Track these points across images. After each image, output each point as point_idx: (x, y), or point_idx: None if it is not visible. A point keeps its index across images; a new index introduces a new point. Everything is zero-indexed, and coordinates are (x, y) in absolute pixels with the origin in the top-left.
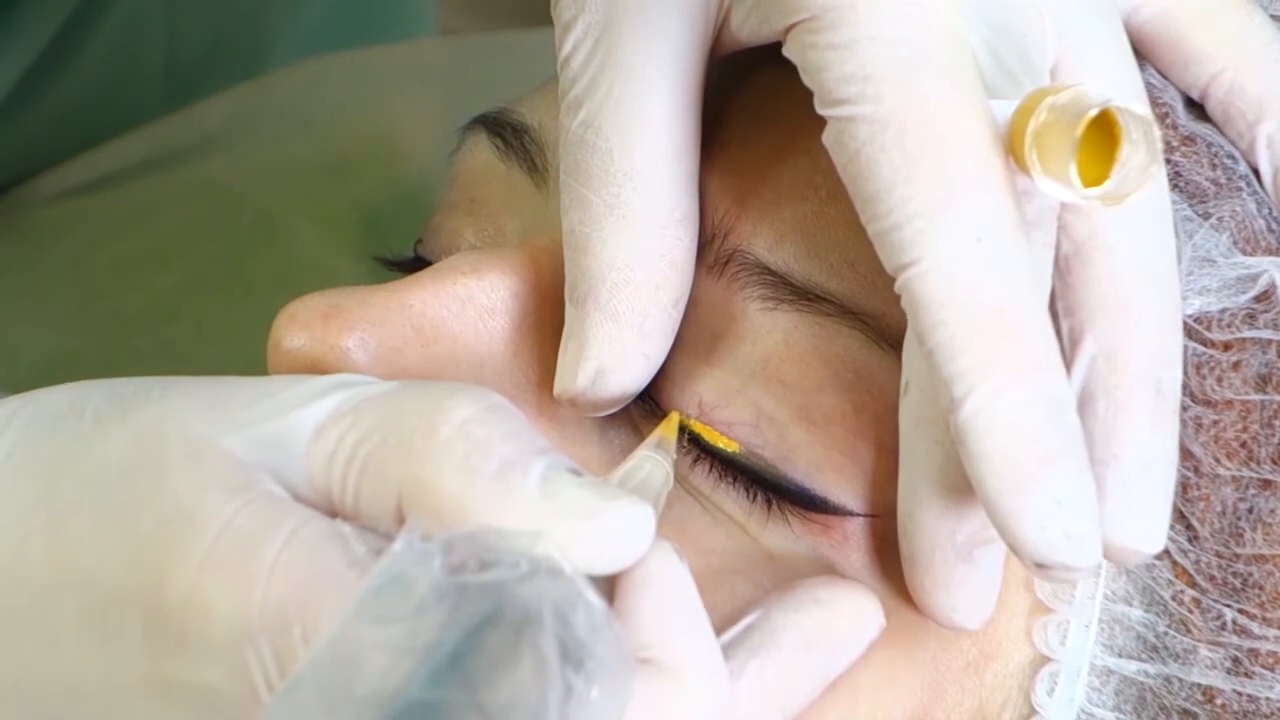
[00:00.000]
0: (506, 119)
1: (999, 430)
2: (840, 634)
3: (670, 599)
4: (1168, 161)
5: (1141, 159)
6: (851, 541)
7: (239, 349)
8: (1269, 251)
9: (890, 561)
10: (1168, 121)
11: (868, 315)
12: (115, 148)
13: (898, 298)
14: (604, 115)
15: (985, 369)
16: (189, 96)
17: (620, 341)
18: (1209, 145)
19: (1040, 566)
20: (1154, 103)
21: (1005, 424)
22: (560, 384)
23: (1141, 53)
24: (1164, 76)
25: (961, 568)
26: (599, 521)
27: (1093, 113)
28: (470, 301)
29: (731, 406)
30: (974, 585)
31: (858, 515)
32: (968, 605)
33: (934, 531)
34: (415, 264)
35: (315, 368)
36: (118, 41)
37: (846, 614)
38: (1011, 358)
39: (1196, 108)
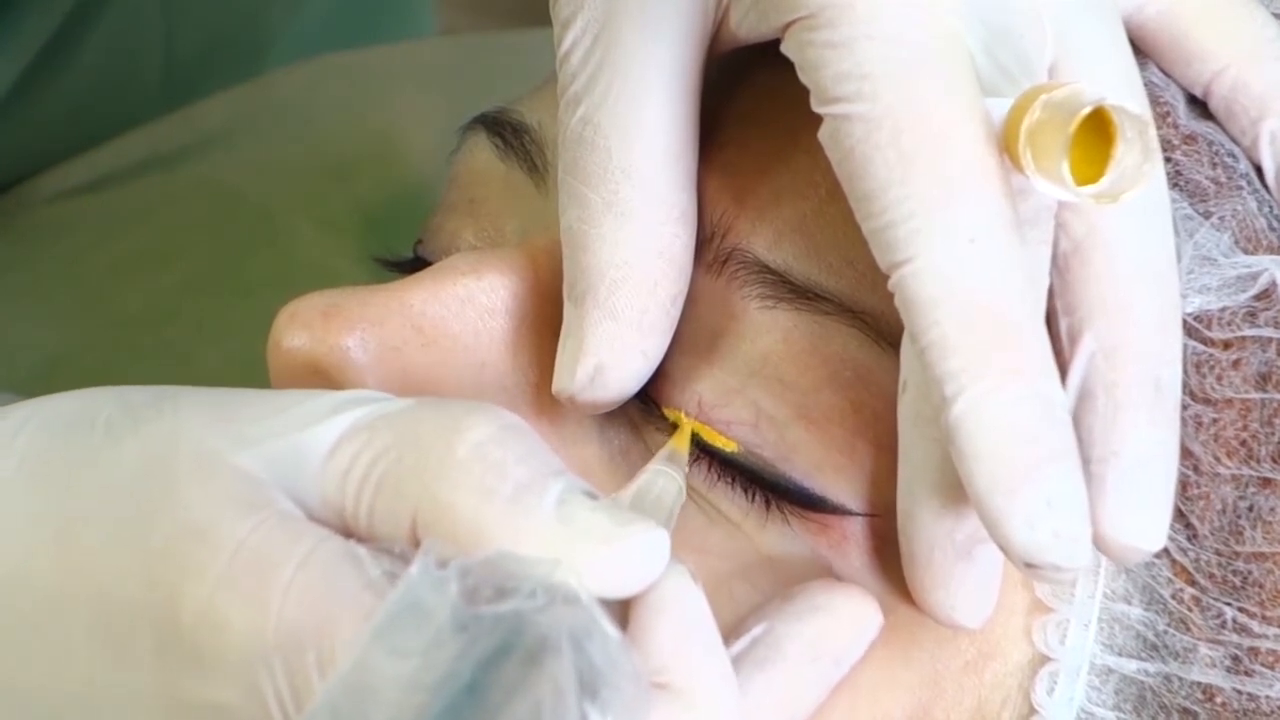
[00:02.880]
0: (506, 119)
1: (989, 429)
2: (843, 640)
3: (685, 623)
4: (1168, 160)
5: (1136, 158)
6: (851, 541)
7: (239, 349)
8: (1270, 250)
9: (889, 561)
10: (1168, 120)
11: (867, 314)
12: (115, 147)
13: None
14: (602, 112)
15: (977, 368)
16: (188, 96)
17: (619, 338)
18: (1210, 144)
19: (1030, 567)
20: (1155, 101)
21: (996, 423)
22: (559, 382)
23: (1144, 50)
24: (1166, 74)
25: (960, 566)
26: (615, 547)
27: (1086, 110)
28: (470, 301)
29: (730, 406)
30: (973, 584)
31: (857, 514)
32: (967, 604)
33: (932, 530)
34: (415, 264)
35: (315, 367)
36: (115, 40)
37: (847, 619)
38: (1003, 357)
39: (1199, 105)
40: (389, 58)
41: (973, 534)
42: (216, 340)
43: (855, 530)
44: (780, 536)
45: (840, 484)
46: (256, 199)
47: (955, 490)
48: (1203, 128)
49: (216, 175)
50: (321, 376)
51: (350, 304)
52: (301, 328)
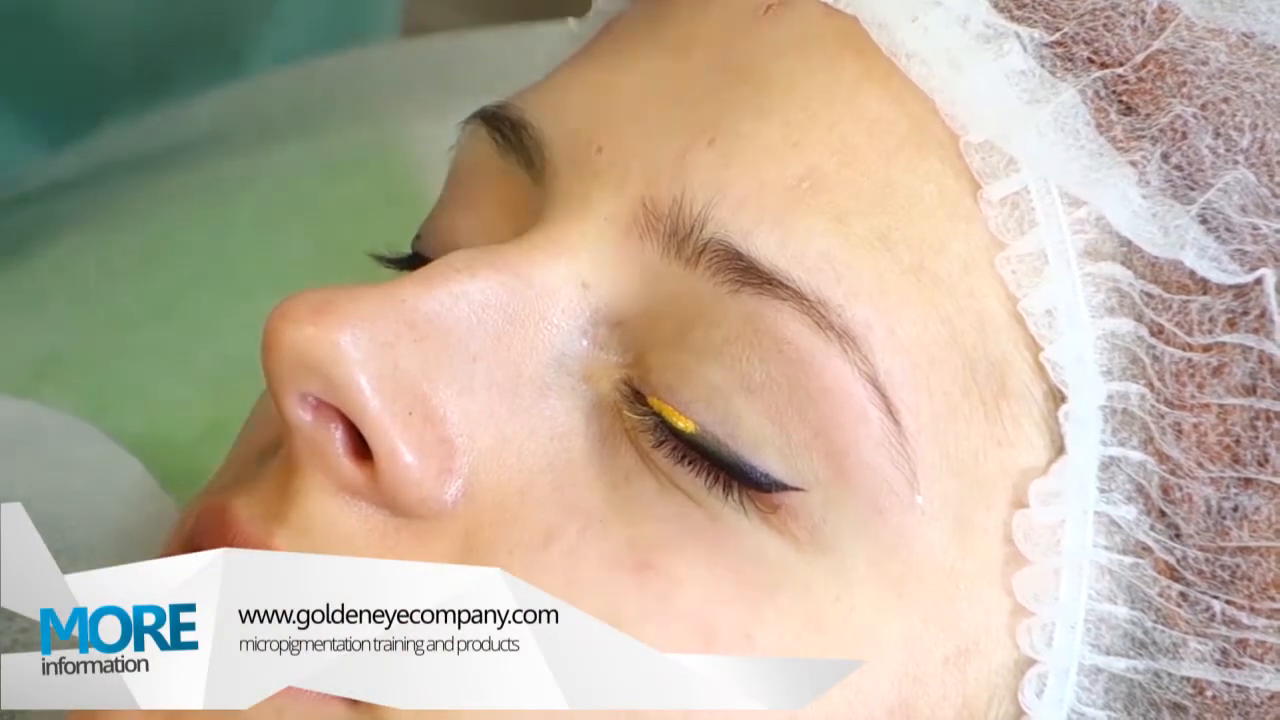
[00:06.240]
0: (505, 114)
1: None
2: None
3: None
4: None
5: None
6: (799, 521)
7: (235, 348)
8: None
9: (831, 540)
10: None
11: (823, 305)
12: (109, 145)
13: (861, 297)
14: None
15: None
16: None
17: None
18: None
19: None
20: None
21: None
22: None
23: None
24: None
25: None
26: None
27: None
28: (463, 297)
29: (689, 386)
30: None
31: (789, 489)
32: None
33: None
34: (412, 261)
35: (307, 363)
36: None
37: None
38: None
39: None
40: (386, 57)
41: None
42: (211, 339)
43: (794, 505)
44: (736, 515)
45: (772, 456)
46: (252, 198)
47: None
48: None
49: (212, 174)
50: (314, 373)
51: (342, 300)
52: (293, 325)
